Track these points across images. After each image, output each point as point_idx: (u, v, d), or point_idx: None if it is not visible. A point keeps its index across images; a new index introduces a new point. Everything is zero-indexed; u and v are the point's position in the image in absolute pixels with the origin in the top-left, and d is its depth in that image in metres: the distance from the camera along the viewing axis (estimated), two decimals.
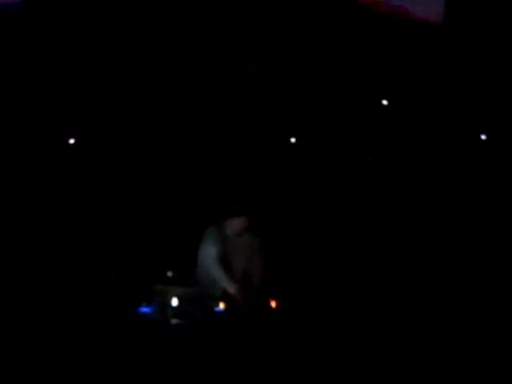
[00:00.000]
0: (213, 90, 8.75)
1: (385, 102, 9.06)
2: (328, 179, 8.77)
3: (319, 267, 8.18)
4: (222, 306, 6.67)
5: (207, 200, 8.33)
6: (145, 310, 6.57)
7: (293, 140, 8.86)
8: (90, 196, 8.33)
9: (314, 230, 8.50)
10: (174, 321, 6.47)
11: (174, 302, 6.50)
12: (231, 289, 6.89)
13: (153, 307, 6.56)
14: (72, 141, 8.41)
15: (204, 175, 8.54)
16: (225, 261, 7.01)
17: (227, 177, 8.51)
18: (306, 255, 8.29)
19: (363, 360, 6.45)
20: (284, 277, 7.38)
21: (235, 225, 7.14)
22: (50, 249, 7.95)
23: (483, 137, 8.91)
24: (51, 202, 8.21)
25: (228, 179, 8.47)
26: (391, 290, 7.74)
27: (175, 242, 8.12)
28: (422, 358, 6.45)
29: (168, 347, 6.30)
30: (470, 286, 7.74)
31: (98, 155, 8.46)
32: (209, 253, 7.03)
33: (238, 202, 7.21)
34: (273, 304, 6.74)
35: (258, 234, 7.23)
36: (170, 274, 6.76)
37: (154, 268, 7.43)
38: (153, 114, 8.66)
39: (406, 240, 8.39)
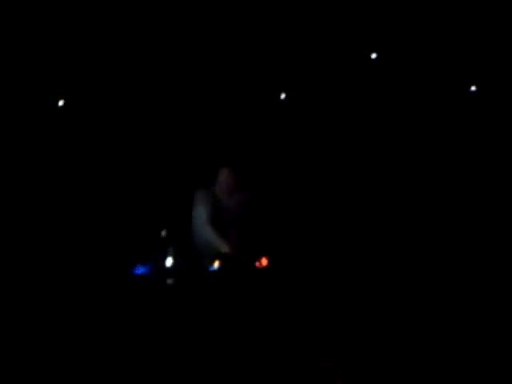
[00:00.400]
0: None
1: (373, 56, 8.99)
2: (318, 134, 8.79)
3: (311, 224, 8.26)
4: (216, 265, 6.79)
5: (198, 159, 8.37)
6: (140, 270, 6.69)
7: (283, 96, 8.84)
8: (85, 163, 8.37)
9: (306, 187, 8.55)
10: (169, 280, 6.59)
11: (169, 262, 6.63)
12: (224, 248, 7.00)
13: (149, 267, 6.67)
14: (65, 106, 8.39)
15: (194, 134, 8.56)
16: (216, 221, 7.09)
17: (216, 135, 8.52)
18: (298, 212, 8.37)
19: (356, 314, 6.56)
20: (276, 234, 7.44)
21: (225, 184, 7.21)
22: (42, 216, 8.02)
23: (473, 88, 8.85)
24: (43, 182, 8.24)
25: (217, 138, 8.49)
26: (382, 255, 7.78)
27: (169, 201, 8.19)
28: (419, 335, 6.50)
29: (163, 306, 6.41)
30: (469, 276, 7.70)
31: (91, 119, 8.47)
32: (199, 214, 7.12)
33: (228, 162, 7.27)
34: (265, 262, 6.86)
35: (248, 192, 7.30)
36: (164, 233, 6.85)
37: (147, 228, 7.52)
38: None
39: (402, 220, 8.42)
